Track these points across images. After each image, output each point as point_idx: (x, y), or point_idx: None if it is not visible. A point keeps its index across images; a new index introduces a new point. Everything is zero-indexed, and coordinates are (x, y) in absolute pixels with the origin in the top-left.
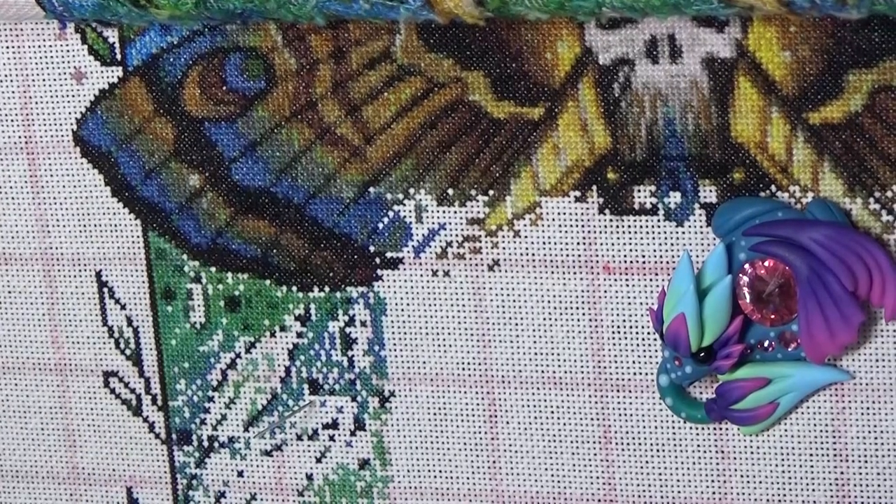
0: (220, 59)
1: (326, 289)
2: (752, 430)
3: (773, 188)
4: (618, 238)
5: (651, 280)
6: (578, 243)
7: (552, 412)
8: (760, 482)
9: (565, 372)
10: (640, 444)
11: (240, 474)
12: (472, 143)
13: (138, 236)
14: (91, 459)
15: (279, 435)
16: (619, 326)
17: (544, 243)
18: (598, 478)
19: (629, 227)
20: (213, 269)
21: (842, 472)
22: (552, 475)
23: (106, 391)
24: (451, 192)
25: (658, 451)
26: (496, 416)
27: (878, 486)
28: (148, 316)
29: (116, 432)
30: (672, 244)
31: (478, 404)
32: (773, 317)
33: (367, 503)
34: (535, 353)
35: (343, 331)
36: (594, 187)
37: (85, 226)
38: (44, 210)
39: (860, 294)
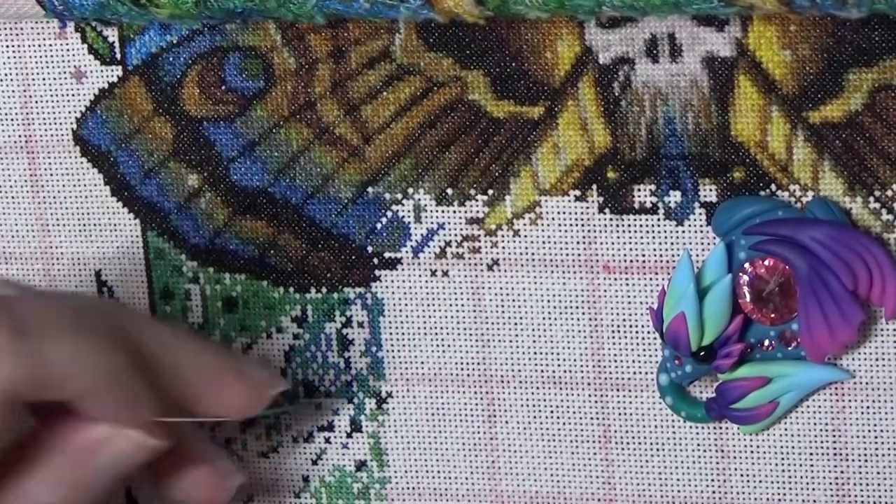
0: (219, 58)
1: (323, 290)
2: (752, 430)
3: (774, 187)
4: (618, 237)
5: (651, 279)
6: (578, 242)
7: (552, 412)
8: (760, 481)
9: (565, 371)
10: (639, 443)
11: None
12: (471, 142)
13: (137, 236)
14: None
15: (275, 437)
16: (618, 326)
17: (544, 243)
18: (597, 477)
19: (629, 226)
20: (210, 269)
21: (842, 472)
22: (552, 475)
23: None
24: (450, 191)
25: (658, 450)
26: (495, 416)
27: (878, 485)
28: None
29: None
30: (672, 243)
31: (477, 404)
32: (773, 316)
33: None
34: (535, 353)
35: (340, 332)
36: (594, 186)
37: (84, 225)
38: (43, 209)
39: (860, 293)
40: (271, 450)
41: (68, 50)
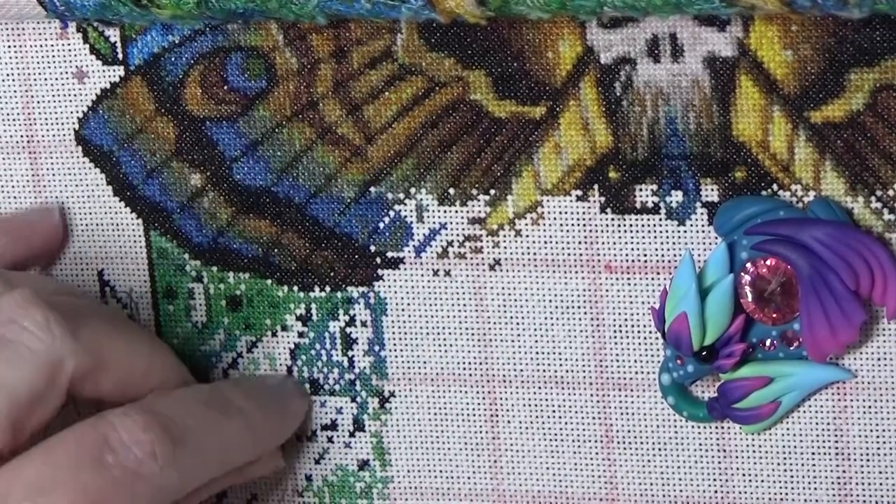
0: (221, 58)
1: (327, 288)
2: (753, 429)
3: (775, 187)
4: (619, 237)
5: (653, 279)
6: (580, 242)
7: (553, 411)
8: (762, 481)
9: (567, 371)
10: (641, 443)
11: None
12: (473, 142)
13: (140, 236)
14: None
15: None
16: (620, 325)
17: (546, 242)
18: (599, 477)
19: (631, 226)
20: (214, 268)
21: (844, 471)
22: (554, 474)
23: None
24: (452, 191)
25: (660, 450)
26: (497, 416)
27: (880, 484)
28: (150, 315)
29: None
30: (674, 243)
31: (479, 404)
32: (774, 316)
33: None
34: (537, 353)
35: (343, 331)
36: (596, 186)
37: (87, 225)
38: None
39: (862, 293)
40: None
41: (70, 50)
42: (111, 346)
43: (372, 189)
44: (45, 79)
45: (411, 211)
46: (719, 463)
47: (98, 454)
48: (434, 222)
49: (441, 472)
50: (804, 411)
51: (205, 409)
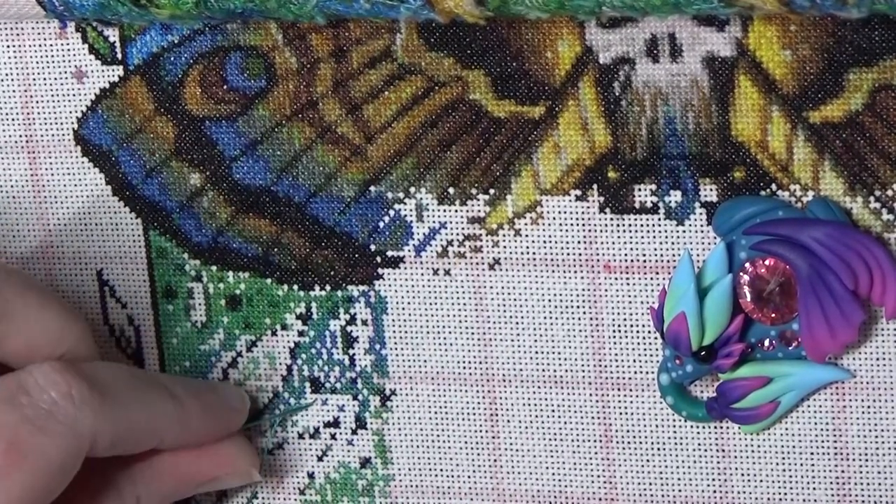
0: (220, 58)
1: (327, 287)
2: (752, 429)
3: (774, 187)
4: (618, 237)
5: (652, 279)
6: (579, 242)
7: (553, 411)
8: (761, 481)
9: (566, 371)
10: (640, 442)
11: None
12: (472, 141)
13: (139, 235)
14: None
15: (280, 433)
16: (619, 325)
17: (545, 242)
18: (598, 476)
19: (630, 225)
20: (213, 267)
21: (843, 471)
22: (553, 474)
23: None
24: (451, 190)
25: (659, 449)
26: (497, 415)
27: (879, 484)
28: (149, 315)
29: None
30: (673, 243)
31: (479, 403)
32: (773, 315)
33: (369, 501)
34: (536, 352)
35: (344, 329)
36: (595, 186)
37: (86, 225)
38: (45, 209)
39: (861, 293)
40: (277, 446)
41: (69, 50)
42: (23, 303)
43: (372, 188)
44: (44, 78)
45: (411, 210)
46: (718, 463)
47: (12, 395)
48: (434, 221)
49: (442, 470)
50: (803, 411)
51: (128, 374)
